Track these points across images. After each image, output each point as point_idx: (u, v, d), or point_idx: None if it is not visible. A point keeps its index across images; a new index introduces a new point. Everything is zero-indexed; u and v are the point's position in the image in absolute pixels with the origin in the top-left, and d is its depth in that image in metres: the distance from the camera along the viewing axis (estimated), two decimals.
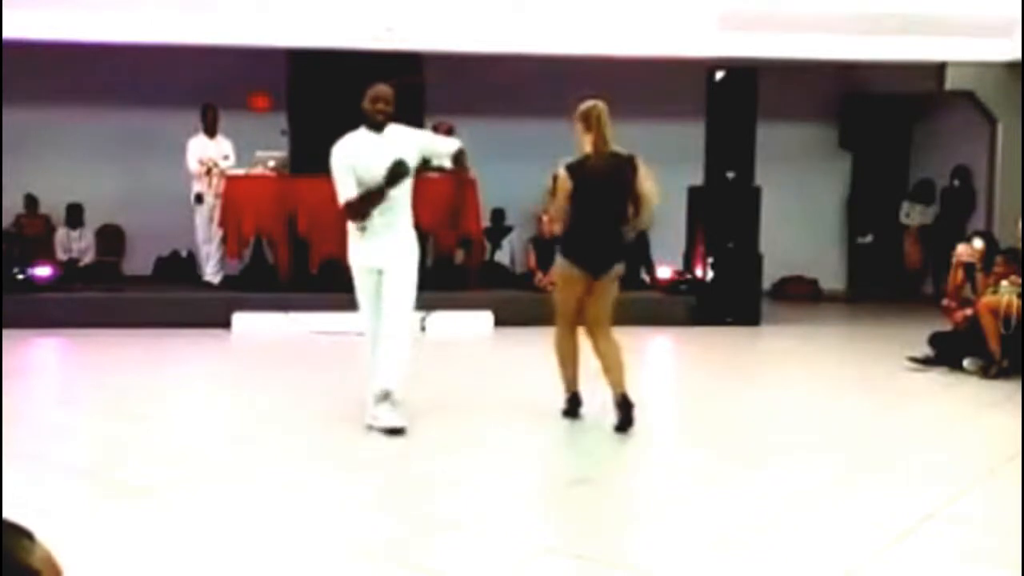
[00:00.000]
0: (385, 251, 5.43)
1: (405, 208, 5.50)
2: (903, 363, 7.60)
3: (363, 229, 5.41)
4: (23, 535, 1.10)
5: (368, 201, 5.33)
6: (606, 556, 3.69)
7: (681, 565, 3.59)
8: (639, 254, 10.84)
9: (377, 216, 5.38)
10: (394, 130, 5.49)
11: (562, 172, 5.49)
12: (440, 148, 5.67)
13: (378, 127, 5.44)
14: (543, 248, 9.77)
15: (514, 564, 3.58)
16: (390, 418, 5.41)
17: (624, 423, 5.41)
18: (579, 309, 5.61)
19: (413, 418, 5.52)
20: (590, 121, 5.47)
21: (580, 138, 5.53)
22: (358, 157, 5.37)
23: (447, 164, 5.65)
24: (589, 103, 5.54)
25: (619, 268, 5.62)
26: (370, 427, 5.46)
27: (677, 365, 8.78)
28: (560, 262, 5.63)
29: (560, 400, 5.84)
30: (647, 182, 5.50)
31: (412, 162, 5.40)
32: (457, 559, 3.62)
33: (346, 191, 5.37)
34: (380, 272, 5.44)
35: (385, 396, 5.43)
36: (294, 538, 3.82)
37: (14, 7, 9.01)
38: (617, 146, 5.52)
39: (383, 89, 5.47)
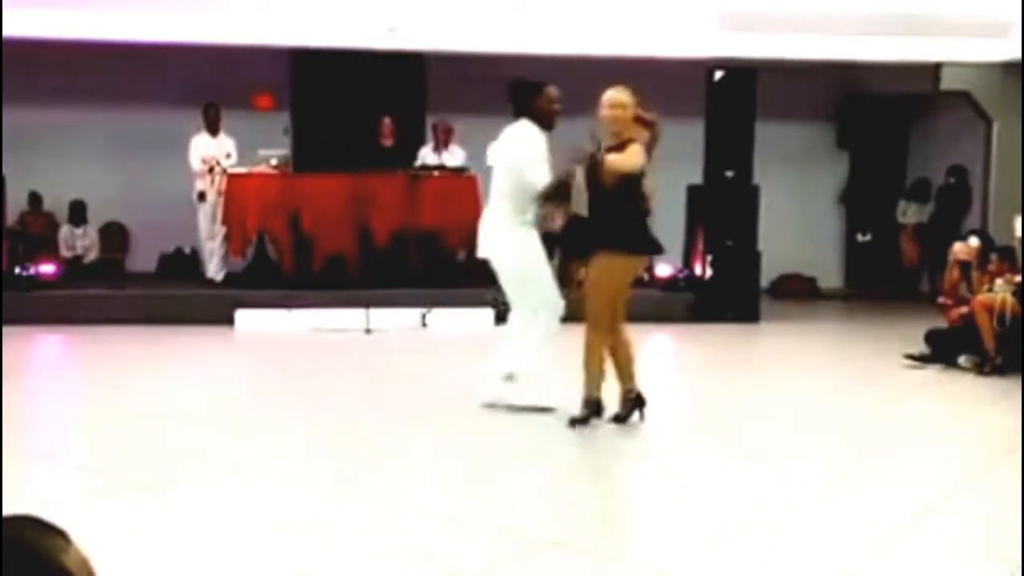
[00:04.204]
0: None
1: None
2: (900, 360, 7.67)
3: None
4: (58, 535, 1.08)
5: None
6: (610, 551, 3.77)
7: (683, 560, 3.67)
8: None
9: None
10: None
11: None
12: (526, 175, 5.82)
13: (551, 127, 5.55)
14: (546, 244, 9.78)
15: (519, 557, 3.64)
16: (532, 396, 5.79)
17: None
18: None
19: (415, 414, 5.58)
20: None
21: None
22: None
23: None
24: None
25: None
26: (493, 405, 5.82)
27: (676, 362, 8.83)
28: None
29: (560, 396, 5.83)
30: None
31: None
32: (462, 552, 3.69)
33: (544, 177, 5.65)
34: None
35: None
36: (295, 535, 3.87)
37: (14, 7, 9.04)
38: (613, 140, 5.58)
39: (556, 91, 5.73)
